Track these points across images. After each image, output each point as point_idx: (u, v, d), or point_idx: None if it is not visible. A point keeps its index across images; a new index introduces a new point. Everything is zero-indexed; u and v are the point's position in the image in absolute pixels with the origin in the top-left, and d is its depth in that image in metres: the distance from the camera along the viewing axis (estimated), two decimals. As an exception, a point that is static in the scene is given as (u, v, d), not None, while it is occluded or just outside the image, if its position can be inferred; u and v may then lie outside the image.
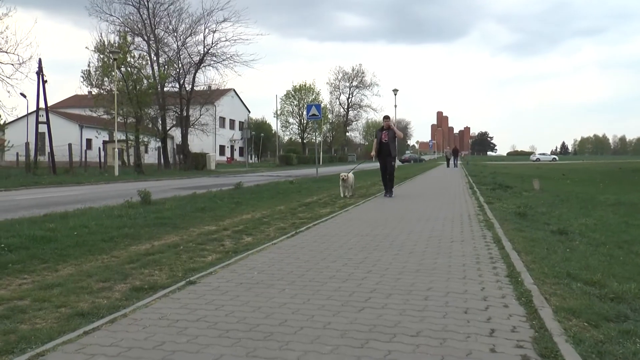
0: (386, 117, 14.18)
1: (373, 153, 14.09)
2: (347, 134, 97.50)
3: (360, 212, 10.24)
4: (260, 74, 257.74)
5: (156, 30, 39.10)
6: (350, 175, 13.63)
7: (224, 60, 39.97)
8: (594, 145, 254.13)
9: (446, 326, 3.39)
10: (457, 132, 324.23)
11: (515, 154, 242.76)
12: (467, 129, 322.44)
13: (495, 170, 36.50)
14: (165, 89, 39.81)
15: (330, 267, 5.21)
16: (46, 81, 29.42)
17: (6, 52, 27.61)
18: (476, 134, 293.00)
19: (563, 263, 5.31)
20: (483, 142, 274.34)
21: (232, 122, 78.50)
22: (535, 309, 3.74)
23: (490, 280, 4.65)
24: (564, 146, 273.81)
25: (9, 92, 37.72)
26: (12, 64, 28.09)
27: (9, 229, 7.40)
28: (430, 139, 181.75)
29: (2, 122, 33.91)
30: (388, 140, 13.58)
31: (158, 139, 40.76)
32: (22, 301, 4.17)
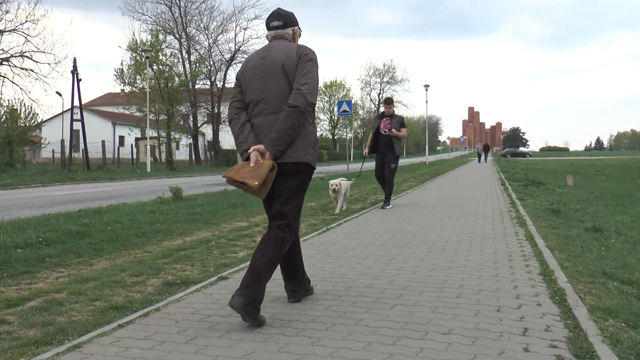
0: (388, 101, 10.66)
1: (366, 151, 10.75)
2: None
3: (390, 208, 10.18)
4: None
5: (188, 28, 39.53)
6: (344, 183, 10.02)
7: (255, 57, 40.15)
8: (631, 140, 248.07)
9: (478, 324, 3.35)
10: (489, 127, 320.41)
11: (548, 150, 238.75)
12: (499, 124, 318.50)
13: (527, 167, 35.96)
14: (196, 86, 40.23)
15: (362, 264, 5.20)
16: (81, 80, 30.05)
17: (43, 52, 28.35)
18: (508, 129, 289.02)
19: (598, 261, 5.21)
20: (515, 138, 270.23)
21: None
22: (570, 308, 3.67)
23: (523, 278, 4.58)
24: (599, 141, 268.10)
25: (45, 90, 38.66)
26: (49, 64, 28.88)
27: (46, 224, 7.58)
28: (461, 134, 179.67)
29: (39, 120, 34.69)
30: (390, 130, 10.22)
31: (189, 136, 41.19)
32: (59, 294, 4.26)
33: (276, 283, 4.46)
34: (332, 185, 9.88)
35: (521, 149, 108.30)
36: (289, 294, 3.97)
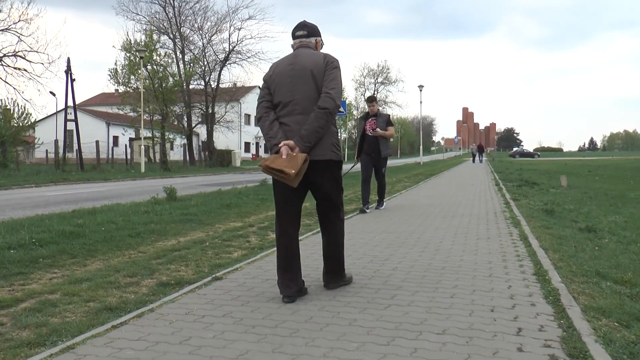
0: (370, 99, 9.98)
1: (357, 156, 10.15)
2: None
3: (385, 208, 10.20)
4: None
5: (182, 28, 39.57)
6: None
7: (249, 57, 40.30)
8: (624, 141, 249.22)
9: (472, 324, 3.35)
10: (483, 128, 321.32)
11: (542, 150, 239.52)
12: (493, 125, 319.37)
13: (521, 167, 36.07)
14: (190, 86, 40.21)
15: (356, 264, 5.20)
16: (74, 80, 29.95)
17: (37, 51, 28.26)
18: (502, 130, 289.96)
19: (592, 261, 5.22)
20: (509, 138, 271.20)
21: (257, 119, 78.79)
22: (563, 307, 3.68)
23: (517, 278, 4.59)
24: (592, 142, 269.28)
25: (39, 90, 38.64)
26: (42, 63, 28.91)
27: (40, 225, 7.55)
28: (455, 135, 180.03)
29: (32, 120, 34.58)
30: (375, 130, 9.64)
31: (183, 136, 41.16)
32: (52, 295, 4.25)
33: (270, 284, 4.46)
34: None
35: (519, 149, 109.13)
36: (287, 286, 4.04)
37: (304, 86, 4.03)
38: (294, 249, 4.10)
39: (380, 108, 9.88)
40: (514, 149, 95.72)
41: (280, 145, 3.90)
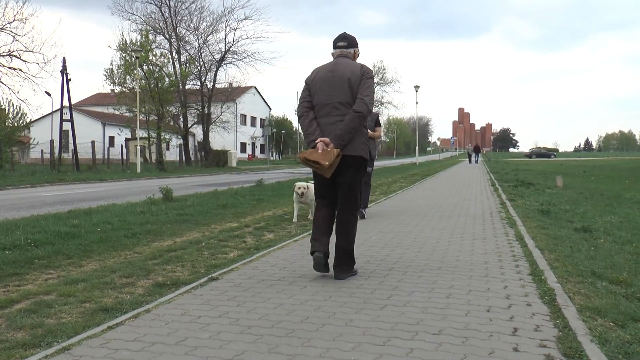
0: None
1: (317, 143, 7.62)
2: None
3: (381, 209, 10.21)
4: (281, 71, 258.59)
5: (177, 28, 39.47)
6: (313, 187, 7.06)
7: (245, 58, 40.23)
8: (619, 142, 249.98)
9: (468, 324, 3.36)
10: (479, 128, 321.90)
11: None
12: (489, 125, 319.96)
13: (517, 167, 36.14)
14: (186, 86, 40.16)
15: (352, 264, 5.19)
16: (70, 80, 29.92)
17: (32, 51, 28.17)
18: (498, 130, 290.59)
19: (587, 261, 5.24)
20: (505, 139, 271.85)
21: (253, 119, 78.81)
22: (559, 307, 3.69)
23: (512, 278, 4.60)
24: (588, 142, 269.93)
25: (34, 90, 38.54)
26: (37, 63, 28.73)
27: (35, 225, 7.53)
28: (451, 135, 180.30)
29: (27, 120, 34.48)
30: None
31: (179, 137, 41.08)
32: (48, 296, 4.23)
33: (266, 284, 4.46)
34: (299, 188, 8.17)
35: (535, 149, 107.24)
36: (321, 257, 4.63)
37: (341, 92, 4.63)
38: (326, 222, 4.77)
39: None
40: (530, 148, 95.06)
41: (317, 141, 4.54)
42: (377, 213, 9.65)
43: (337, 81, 4.65)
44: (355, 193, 4.76)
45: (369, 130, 7.07)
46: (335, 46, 4.92)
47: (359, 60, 4.94)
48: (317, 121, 4.68)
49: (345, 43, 4.88)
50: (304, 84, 4.89)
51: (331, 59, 4.91)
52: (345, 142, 4.54)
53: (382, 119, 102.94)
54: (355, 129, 4.58)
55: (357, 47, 4.95)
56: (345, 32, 4.96)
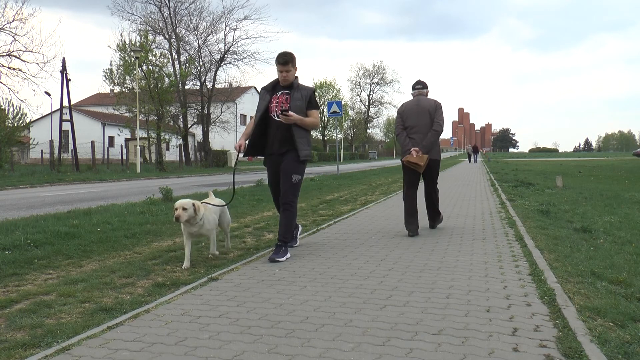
0: (282, 59, 5.68)
1: (241, 144, 5.79)
2: (368, 131, 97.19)
3: (381, 209, 10.21)
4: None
5: (177, 28, 39.43)
6: (212, 207, 5.76)
7: (244, 58, 40.20)
8: (619, 142, 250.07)
9: (468, 325, 3.36)
10: (479, 128, 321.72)
11: (537, 151, 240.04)
12: (489, 125, 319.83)
13: (516, 167, 36.14)
14: (186, 86, 40.11)
15: (352, 265, 5.20)
16: (70, 80, 29.89)
17: (31, 51, 28.20)
18: (498, 130, 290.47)
19: (587, 261, 5.24)
20: (505, 139, 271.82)
21: (396, 135, 78.63)
22: (559, 308, 3.69)
23: (512, 278, 4.60)
24: (587, 142, 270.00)
25: (34, 90, 38.51)
26: (37, 63, 28.76)
27: (35, 225, 7.53)
28: (451, 135, 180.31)
29: (27, 121, 34.46)
30: (290, 111, 5.66)
31: (179, 137, 41.06)
32: (47, 296, 4.23)
33: (266, 284, 4.46)
34: (175, 209, 5.22)
35: None
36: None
37: (423, 118, 7.12)
38: (414, 205, 7.21)
39: (299, 78, 5.93)
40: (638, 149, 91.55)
41: (411, 150, 7.00)
42: (376, 213, 9.65)
43: (421, 111, 7.13)
44: (435, 180, 7.51)
45: (292, 114, 5.57)
46: (414, 88, 7.43)
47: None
48: (409, 137, 7.11)
49: (422, 86, 7.40)
50: (397, 114, 7.47)
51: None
52: (428, 150, 7.04)
53: (382, 120, 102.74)
54: (434, 142, 7.13)
55: (428, 88, 7.44)
56: (420, 79, 7.48)
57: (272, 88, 5.92)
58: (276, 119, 5.75)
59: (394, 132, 8.52)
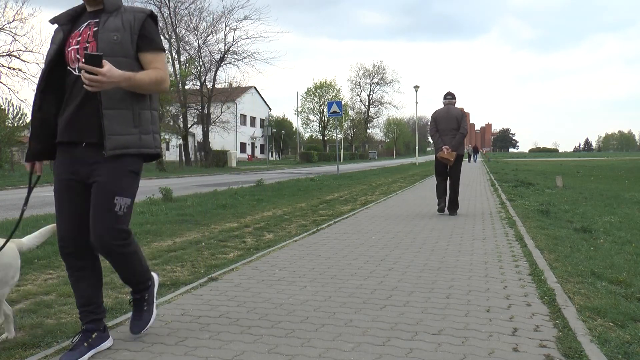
0: None
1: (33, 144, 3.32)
2: (368, 131, 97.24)
3: (381, 209, 10.21)
4: (281, 72, 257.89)
5: (177, 28, 39.39)
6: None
7: (244, 58, 40.11)
8: (619, 142, 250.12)
9: (468, 324, 3.36)
10: (479, 128, 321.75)
11: (537, 151, 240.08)
12: (489, 125, 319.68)
13: (516, 167, 36.15)
14: (186, 86, 40.08)
15: (352, 265, 5.21)
16: (70, 80, 29.78)
17: (31, 51, 28.25)
18: (498, 130, 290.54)
19: (587, 261, 5.24)
20: (505, 139, 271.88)
21: (253, 119, 78.79)
22: (559, 308, 3.69)
23: (512, 278, 4.61)
24: (587, 142, 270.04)
25: (34, 90, 38.28)
26: (37, 63, 28.66)
27: (35, 225, 7.53)
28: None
29: (27, 121, 34.41)
30: (99, 54, 2.63)
31: (179, 137, 41.02)
32: (47, 296, 4.24)
33: (266, 284, 4.46)
34: None
35: None
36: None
37: (451, 123, 9.17)
38: (443, 188, 9.43)
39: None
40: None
41: (443, 147, 9.06)
42: (376, 213, 9.66)
43: (450, 118, 9.21)
44: (459, 172, 9.46)
45: (110, 66, 2.59)
46: (445, 98, 9.49)
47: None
48: (441, 138, 9.17)
49: (451, 97, 9.50)
50: (430, 119, 9.60)
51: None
52: (457, 148, 9.14)
53: (382, 120, 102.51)
54: (460, 142, 9.22)
55: (455, 99, 9.52)
56: (450, 91, 9.61)
57: (71, 19, 3.00)
58: (76, 73, 2.88)
59: (428, 134, 14.06)
